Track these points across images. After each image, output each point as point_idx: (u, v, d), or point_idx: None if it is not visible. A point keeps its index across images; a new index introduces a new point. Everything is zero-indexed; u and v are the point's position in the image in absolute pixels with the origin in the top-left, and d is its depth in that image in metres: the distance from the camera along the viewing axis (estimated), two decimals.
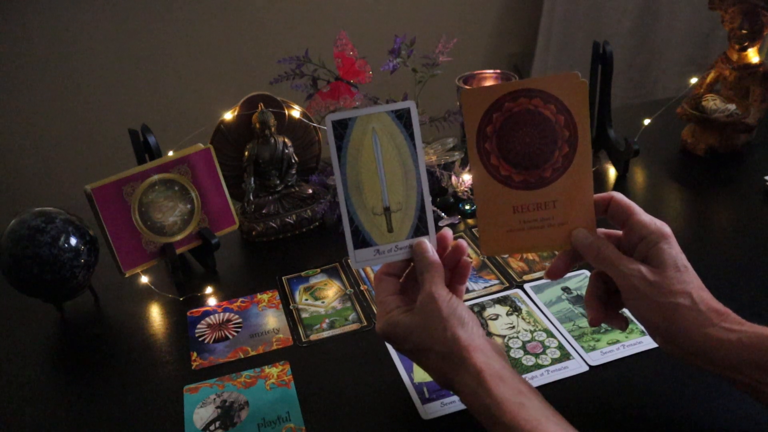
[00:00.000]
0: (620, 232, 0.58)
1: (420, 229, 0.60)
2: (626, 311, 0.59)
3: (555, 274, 0.61)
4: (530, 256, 0.86)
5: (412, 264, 0.62)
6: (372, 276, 0.85)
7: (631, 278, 0.53)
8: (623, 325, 0.60)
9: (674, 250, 0.54)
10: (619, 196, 0.57)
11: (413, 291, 0.60)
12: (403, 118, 0.60)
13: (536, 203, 0.58)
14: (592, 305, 0.60)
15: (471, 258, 0.87)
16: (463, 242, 0.61)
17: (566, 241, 0.58)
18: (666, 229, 0.55)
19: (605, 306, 0.60)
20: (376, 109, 0.59)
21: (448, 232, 0.62)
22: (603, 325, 0.73)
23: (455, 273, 0.62)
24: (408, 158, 0.60)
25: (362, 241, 0.60)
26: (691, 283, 0.53)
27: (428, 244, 0.60)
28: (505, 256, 0.86)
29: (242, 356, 0.74)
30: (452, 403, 0.64)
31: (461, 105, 0.56)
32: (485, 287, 0.81)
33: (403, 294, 0.61)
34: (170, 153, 0.86)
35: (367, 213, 0.60)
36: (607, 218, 0.59)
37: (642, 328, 0.71)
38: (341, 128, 0.59)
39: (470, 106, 0.57)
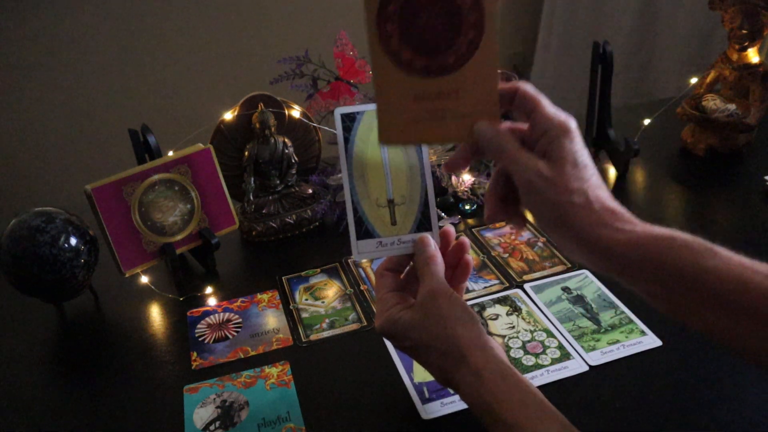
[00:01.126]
0: (526, 126, 0.54)
1: (423, 224, 0.61)
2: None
3: (454, 167, 0.57)
4: (530, 255, 0.86)
5: (413, 261, 0.62)
6: (372, 277, 0.85)
7: (527, 173, 0.50)
8: (521, 223, 0.57)
9: (576, 146, 0.50)
10: (525, 86, 0.53)
11: (414, 287, 0.60)
12: None
13: (438, 92, 0.53)
14: (490, 201, 0.56)
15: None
16: (465, 239, 0.61)
17: (469, 134, 0.54)
18: (570, 123, 0.51)
19: (505, 203, 0.56)
20: None
21: (450, 229, 0.61)
22: (601, 320, 0.73)
23: (456, 270, 0.61)
24: (413, 154, 0.61)
25: (365, 232, 0.60)
26: (587, 180, 0.50)
27: (430, 239, 0.59)
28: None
29: (242, 356, 0.74)
30: (452, 403, 0.64)
31: None
32: (485, 287, 0.81)
33: (403, 290, 0.61)
34: (170, 153, 0.86)
35: (371, 204, 0.60)
36: (513, 110, 0.54)
37: (638, 321, 0.72)
38: (349, 121, 0.60)
39: None
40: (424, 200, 0.61)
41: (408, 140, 0.57)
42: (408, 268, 0.62)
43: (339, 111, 0.60)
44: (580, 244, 0.50)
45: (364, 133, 0.60)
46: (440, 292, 0.55)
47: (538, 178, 0.49)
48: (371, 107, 0.59)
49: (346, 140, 0.60)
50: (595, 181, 0.50)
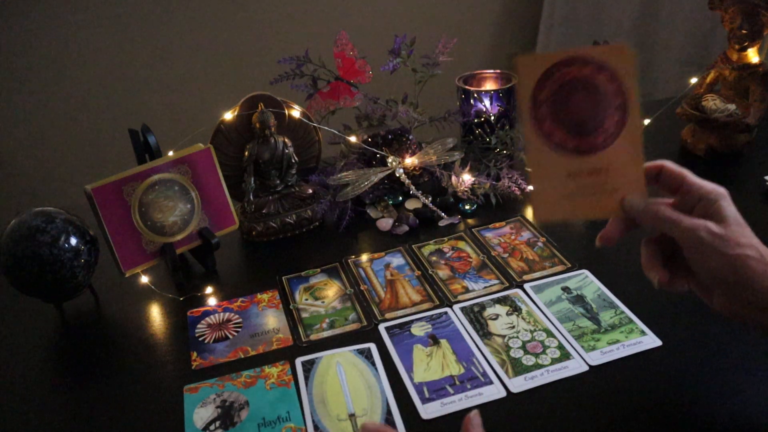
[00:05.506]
0: (670, 200, 0.58)
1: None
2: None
3: (608, 240, 0.60)
4: (530, 255, 0.86)
5: None
6: (373, 276, 0.85)
7: (697, 231, 0.53)
8: (686, 286, 0.59)
9: (733, 208, 0.54)
10: (670, 163, 0.58)
11: None
12: (364, 353, 0.71)
13: (589, 169, 0.58)
14: (660, 271, 0.59)
15: (471, 258, 0.87)
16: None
17: (617, 208, 0.59)
18: (722, 189, 0.56)
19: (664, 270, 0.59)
20: (340, 350, 0.71)
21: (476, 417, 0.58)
22: (601, 320, 0.73)
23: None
24: (371, 377, 0.68)
25: None
26: (753, 238, 0.53)
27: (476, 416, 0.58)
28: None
29: (242, 356, 0.74)
30: (452, 403, 0.64)
31: (517, 71, 0.58)
32: (485, 287, 0.81)
33: None
34: (170, 153, 0.86)
35: (332, 420, 0.64)
36: (659, 187, 0.59)
37: (638, 321, 0.72)
38: (309, 365, 0.70)
39: (525, 72, 0.58)
40: (386, 410, 0.64)
41: (562, 215, 0.62)
42: None
43: (300, 360, 0.71)
44: (751, 299, 0.52)
45: (323, 371, 0.69)
46: None
47: (710, 235, 0.53)
48: (328, 352, 0.71)
49: (306, 378, 0.68)
50: (757, 239, 0.54)
